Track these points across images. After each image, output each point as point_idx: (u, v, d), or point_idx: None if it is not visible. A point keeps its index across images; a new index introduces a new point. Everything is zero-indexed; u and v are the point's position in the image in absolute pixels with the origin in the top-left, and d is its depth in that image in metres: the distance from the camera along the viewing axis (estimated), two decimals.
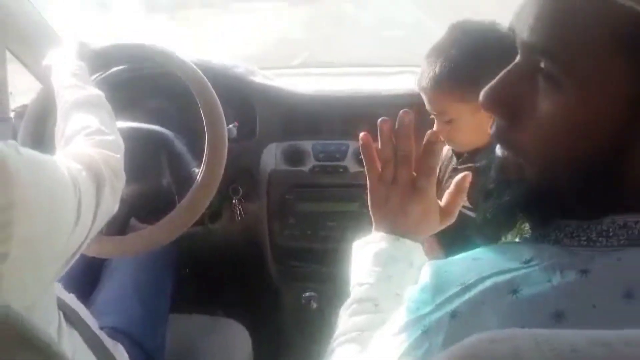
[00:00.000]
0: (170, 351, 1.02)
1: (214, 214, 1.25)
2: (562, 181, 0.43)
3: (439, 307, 0.41)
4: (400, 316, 0.45)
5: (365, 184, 1.22)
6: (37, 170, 0.59)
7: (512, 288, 0.38)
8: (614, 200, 0.40)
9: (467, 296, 0.40)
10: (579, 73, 0.39)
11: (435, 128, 1.00)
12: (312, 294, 1.23)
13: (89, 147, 0.77)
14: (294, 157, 1.24)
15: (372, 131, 1.22)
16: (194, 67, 1.04)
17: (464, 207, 1.02)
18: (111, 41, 1.12)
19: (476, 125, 0.95)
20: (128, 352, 0.92)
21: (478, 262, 0.44)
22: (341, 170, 1.21)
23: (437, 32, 0.99)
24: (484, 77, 0.92)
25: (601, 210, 0.40)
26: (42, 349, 0.49)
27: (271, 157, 1.25)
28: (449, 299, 0.41)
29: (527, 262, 0.40)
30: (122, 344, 0.92)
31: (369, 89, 1.31)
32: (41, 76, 1.31)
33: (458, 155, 1.06)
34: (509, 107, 0.45)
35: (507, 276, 0.39)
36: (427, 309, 0.42)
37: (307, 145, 1.24)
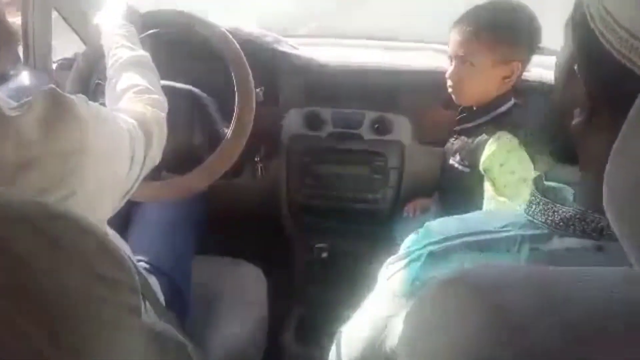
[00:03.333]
0: (195, 287, 1.15)
1: (236, 169, 1.36)
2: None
3: (424, 246, 0.53)
4: (398, 252, 0.57)
5: (378, 151, 1.33)
6: (103, 121, 0.69)
7: (480, 247, 0.50)
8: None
9: (445, 244, 0.52)
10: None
11: (451, 70, 1.10)
12: (324, 245, 1.35)
13: (139, 103, 0.87)
14: (314, 123, 1.34)
15: (388, 103, 1.33)
16: (228, 34, 1.13)
17: (460, 164, 1.14)
18: (155, 7, 1.22)
19: (489, 78, 1.06)
20: (161, 286, 1.05)
21: (462, 222, 0.55)
22: (356, 137, 1.31)
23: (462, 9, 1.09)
24: (516, 39, 1.04)
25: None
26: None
27: (292, 121, 1.35)
28: (432, 243, 0.53)
29: (501, 228, 0.50)
30: (156, 278, 1.05)
31: (388, 63, 1.39)
32: (87, 36, 1.41)
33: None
34: None
35: (479, 238, 0.50)
36: (416, 246, 0.54)
37: (327, 112, 1.34)
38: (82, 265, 0.42)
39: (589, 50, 0.43)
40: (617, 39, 0.38)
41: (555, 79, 0.51)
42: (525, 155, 1.02)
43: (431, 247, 0.52)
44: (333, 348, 0.66)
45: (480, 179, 1.09)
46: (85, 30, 1.38)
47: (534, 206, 0.51)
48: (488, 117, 1.10)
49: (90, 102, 0.68)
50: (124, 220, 1.22)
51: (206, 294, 1.17)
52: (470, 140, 1.13)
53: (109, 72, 0.97)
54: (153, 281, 1.03)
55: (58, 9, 1.38)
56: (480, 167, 1.08)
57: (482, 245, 0.50)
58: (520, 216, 0.52)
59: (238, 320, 1.12)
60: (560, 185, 0.52)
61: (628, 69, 0.38)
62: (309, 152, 1.33)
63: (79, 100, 0.64)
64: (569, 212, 0.47)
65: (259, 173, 1.34)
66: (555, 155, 0.55)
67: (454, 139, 1.21)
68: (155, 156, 0.85)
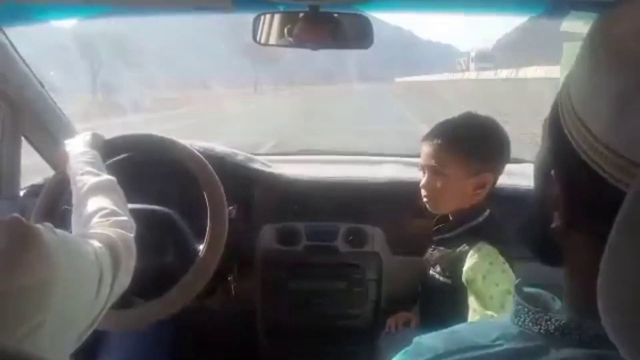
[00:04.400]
0: None
1: (209, 290, 1.31)
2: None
3: None
4: None
5: (355, 263, 1.30)
6: (70, 250, 0.66)
7: None
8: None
9: None
10: None
11: (424, 181, 1.11)
12: None
13: (106, 227, 0.85)
14: (288, 237, 1.32)
15: (361, 215, 1.34)
16: (197, 153, 1.15)
17: (441, 275, 1.11)
18: (121, 134, 1.25)
19: (462, 188, 1.07)
20: None
21: (453, 335, 0.52)
22: (332, 250, 1.30)
23: (419, 128, 1.14)
24: (487, 153, 1.08)
25: None
26: None
27: (266, 238, 1.34)
28: None
29: (494, 341, 0.47)
30: None
31: (356, 176, 1.42)
32: (54, 162, 1.41)
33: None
34: None
35: (473, 354, 0.47)
36: None
37: (300, 226, 1.34)
38: None
39: (563, 154, 0.42)
40: (586, 143, 0.39)
41: (535, 181, 0.52)
42: (507, 267, 1.01)
43: None
44: None
45: (463, 289, 1.06)
46: (53, 157, 1.39)
47: (522, 316, 0.48)
48: (465, 227, 1.10)
49: (57, 230, 0.66)
50: (92, 353, 1.13)
51: None
52: (450, 251, 1.11)
53: (75, 199, 0.97)
54: None
55: (27, 137, 1.39)
56: (463, 279, 1.05)
57: None
58: (510, 327, 0.49)
59: None
60: (539, 290, 0.50)
61: (600, 176, 0.37)
62: (284, 267, 1.30)
63: (45, 229, 0.62)
64: (563, 320, 0.44)
65: (233, 292, 1.29)
66: (539, 257, 0.53)
67: (432, 249, 1.19)
68: (124, 281, 0.81)
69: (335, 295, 1.28)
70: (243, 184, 1.36)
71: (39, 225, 0.61)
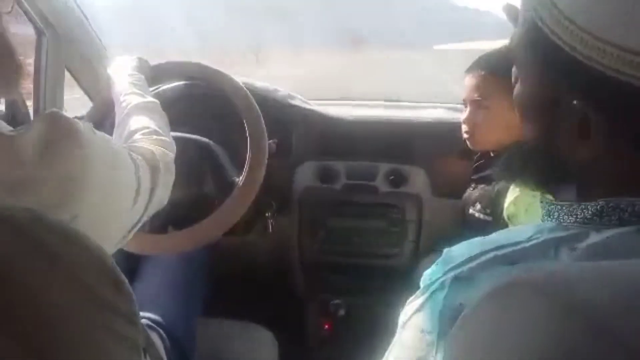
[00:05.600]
0: (200, 352, 1.06)
1: (247, 226, 1.31)
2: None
3: (445, 273, 0.47)
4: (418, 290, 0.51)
5: (394, 204, 1.28)
6: (108, 150, 0.66)
7: (510, 261, 0.44)
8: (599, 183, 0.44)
9: (470, 264, 0.46)
10: None
11: (466, 115, 1.08)
12: (340, 301, 1.26)
13: (147, 143, 0.85)
14: (327, 176, 1.30)
15: (403, 155, 1.30)
16: (242, 86, 1.13)
17: (481, 213, 1.08)
18: (169, 60, 1.23)
19: (504, 122, 1.02)
20: (163, 344, 0.96)
21: (485, 240, 0.49)
22: (371, 189, 1.27)
23: None
24: None
25: (589, 191, 0.45)
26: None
27: (305, 175, 1.32)
28: (455, 267, 0.47)
29: (528, 239, 0.45)
30: (157, 335, 0.97)
31: (401, 115, 1.38)
32: (94, 93, 1.42)
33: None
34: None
35: (508, 250, 0.44)
36: (436, 277, 0.48)
37: (340, 165, 1.31)
38: (80, 283, 0.38)
39: (579, 77, 0.41)
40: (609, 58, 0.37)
41: (533, 125, 0.49)
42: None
43: (453, 272, 0.46)
44: None
45: (503, 227, 1.03)
46: (94, 89, 1.39)
47: (556, 212, 0.46)
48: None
49: (98, 132, 0.65)
50: (129, 274, 1.15)
51: (212, 357, 1.07)
52: (490, 188, 1.08)
53: (117, 119, 0.97)
54: (155, 337, 0.95)
55: (70, 68, 1.39)
56: (504, 214, 1.02)
57: (513, 257, 0.44)
58: (544, 224, 0.46)
59: None
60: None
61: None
62: (322, 205, 1.28)
63: (84, 125, 0.61)
64: (600, 204, 0.42)
65: (270, 229, 1.29)
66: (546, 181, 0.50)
67: (472, 188, 1.16)
68: (162, 196, 0.81)
69: (373, 235, 1.26)
70: (283, 121, 1.34)
71: (78, 121, 0.61)
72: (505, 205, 1.01)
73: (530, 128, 0.49)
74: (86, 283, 0.38)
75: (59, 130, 0.57)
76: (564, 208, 0.45)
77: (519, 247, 0.44)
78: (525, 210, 0.98)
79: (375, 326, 1.22)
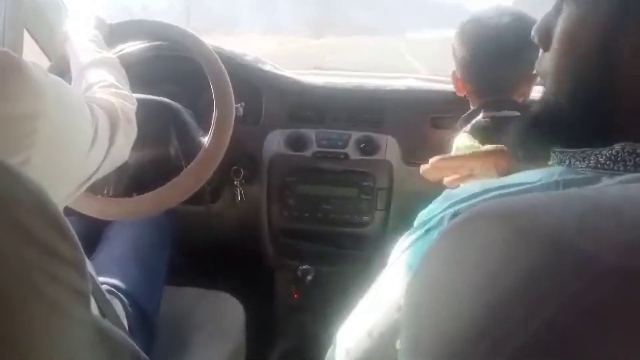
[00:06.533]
0: (164, 320, 1.03)
1: (214, 193, 1.27)
2: (568, 100, 0.45)
3: (444, 210, 0.45)
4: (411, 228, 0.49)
5: (364, 171, 1.26)
6: (61, 92, 0.62)
7: None
8: (621, 128, 0.42)
9: (471, 201, 0.44)
10: None
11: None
12: (308, 267, 1.24)
13: (106, 94, 0.81)
14: (297, 143, 1.27)
15: (374, 123, 1.28)
16: (208, 46, 1.09)
17: None
18: (128, 19, 1.18)
19: None
20: (125, 311, 0.93)
21: (490, 180, 0.47)
22: (342, 157, 1.25)
23: None
24: None
25: (608, 137, 0.42)
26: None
27: (274, 142, 1.29)
28: (454, 203, 0.45)
29: (536, 180, 0.43)
30: (119, 301, 0.94)
31: (373, 84, 1.36)
32: (51, 51, 1.36)
33: None
34: (543, 33, 0.49)
35: (512, 189, 0.43)
36: (434, 213, 0.46)
37: (311, 132, 1.28)
38: (20, 227, 0.35)
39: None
40: None
41: (587, 65, 0.45)
42: None
43: (453, 208, 0.44)
44: (330, 350, 0.56)
45: None
46: (52, 47, 1.33)
47: (568, 159, 0.44)
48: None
49: (51, 75, 0.61)
50: (92, 240, 1.11)
51: (177, 325, 1.04)
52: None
53: (74, 74, 0.93)
54: (116, 304, 0.91)
55: (29, 28, 1.32)
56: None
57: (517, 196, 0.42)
58: (555, 168, 0.45)
59: (211, 354, 0.99)
60: None
61: None
62: (292, 173, 1.25)
63: (36, 66, 0.58)
64: (615, 148, 0.40)
65: (239, 197, 1.26)
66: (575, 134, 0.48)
67: None
68: (122, 149, 0.78)
69: (344, 202, 1.24)
70: (252, 85, 1.30)
71: (28, 61, 0.58)
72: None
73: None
74: (21, 222, 0.35)
75: (8, 69, 0.53)
76: (576, 154, 0.43)
77: (526, 187, 0.42)
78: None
79: (344, 292, 1.21)
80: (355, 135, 1.27)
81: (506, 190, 0.43)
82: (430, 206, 0.48)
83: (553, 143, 0.48)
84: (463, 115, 1.01)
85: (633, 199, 0.27)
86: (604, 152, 0.41)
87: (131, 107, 0.82)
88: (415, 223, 0.48)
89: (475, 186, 0.46)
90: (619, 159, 0.40)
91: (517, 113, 0.93)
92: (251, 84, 1.29)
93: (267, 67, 1.34)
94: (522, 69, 0.91)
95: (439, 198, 0.48)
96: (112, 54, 0.97)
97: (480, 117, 0.95)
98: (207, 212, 1.27)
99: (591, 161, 0.42)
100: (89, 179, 0.69)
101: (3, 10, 1.28)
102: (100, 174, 0.72)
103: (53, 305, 0.36)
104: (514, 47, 0.89)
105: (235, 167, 1.26)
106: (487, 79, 0.96)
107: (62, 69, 1.06)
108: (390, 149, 1.26)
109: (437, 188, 1.24)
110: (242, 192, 1.26)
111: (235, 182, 1.26)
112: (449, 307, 0.27)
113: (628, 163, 0.40)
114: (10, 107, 0.52)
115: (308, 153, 1.26)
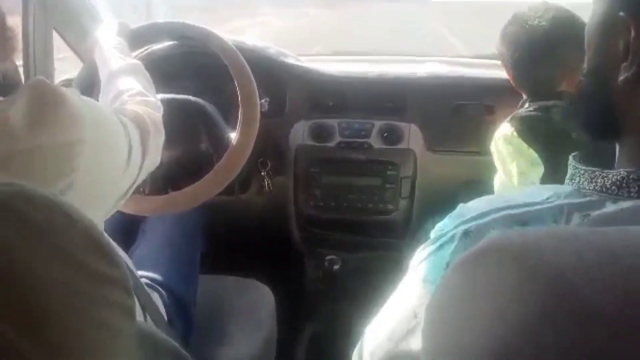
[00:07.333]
0: (201, 306, 1.09)
1: (243, 184, 1.32)
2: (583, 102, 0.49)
3: (456, 227, 0.48)
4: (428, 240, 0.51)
5: (388, 160, 1.28)
6: (97, 114, 0.66)
7: (521, 221, 0.44)
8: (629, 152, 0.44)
9: (481, 220, 0.46)
10: None
11: None
12: (335, 257, 1.29)
13: (133, 105, 0.84)
14: (321, 133, 1.30)
15: (397, 111, 1.29)
16: (230, 44, 1.11)
17: None
18: (150, 21, 1.21)
19: None
20: (162, 301, 0.99)
21: (500, 198, 0.50)
22: (366, 146, 1.27)
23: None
24: None
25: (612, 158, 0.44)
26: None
27: (299, 133, 1.32)
28: (466, 221, 0.47)
29: (544, 201, 0.45)
30: (157, 293, 1.00)
31: (394, 71, 1.36)
32: (83, 53, 1.40)
33: None
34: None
35: (521, 210, 0.45)
36: (447, 229, 0.48)
37: (334, 123, 1.30)
38: (67, 256, 0.37)
39: None
40: None
41: (590, 40, 0.47)
42: None
43: (465, 226, 0.46)
44: (357, 347, 0.60)
45: None
46: (83, 50, 1.37)
47: (577, 177, 0.46)
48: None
49: (84, 97, 0.65)
50: (129, 235, 1.17)
51: (212, 313, 1.10)
52: None
53: (102, 83, 0.97)
54: (155, 297, 0.97)
55: (58, 30, 1.37)
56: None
57: (525, 218, 0.44)
58: (563, 187, 0.46)
59: (245, 340, 1.05)
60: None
61: None
62: (317, 163, 1.29)
63: (70, 91, 0.61)
64: (621, 174, 0.42)
65: (267, 187, 1.30)
66: (594, 127, 0.50)
67: None
68: (154, 157, 0.82)
69: (369, 191, 1.27)
70: (275, 78, 1.32)
71: (63, 88, 0.60)
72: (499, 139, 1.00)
73: (589, 57, 0.48)
74: (73, 255, 0.37)
75: (46, 99, 0.56)
76: (586, 174, 0.45)
77: (533, 208, 0.44)
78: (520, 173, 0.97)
79: (371, 279, 1.25)
80: (378, 124, 1.29)
81: (515, 211, 0.45)
82: (445, 221, 0.50)
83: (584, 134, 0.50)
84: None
85: (631, 245, 0.28)
86: (610, 175, 0.42)
87: (158, 116, 0.86)
88: (432, 235, 0.51)
89: (486, 204, 0.48)
90: (624, 184, 0.41)
91: (556, 102, 0.95)
92: (275, 77, 1.32)
93: (289, 60, 1.36)
94: (562, 65, 0.95)
95: (454, 213, 0.50)
96: (135, 60, 1.00)
97: (524, 108, 0.99)
98: (236, 202, 1.31)
99: (598, 184, 0.43)
100: (125, 193, 0.73)
101: (32, 14, 1.33)
102: (135, 186, 0.76)
103: (105, 327, 0.39)
104: (550, 47, 0.94)
105: (262, 159, 1.29)
106: (530, 78, 1.00)
107: (92, 74, 1.11)
108: (413, 137, 1.27)
109: (460, 176, 1.27)
110: (270, 182, 1.30)
111: (263, 173, 1.29)
112: (461, 338, 0.30)
113: (632, 190, 0.41)
114: (51, 136, 0.55)
115: (332, 143, 1.29)
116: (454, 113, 1.27)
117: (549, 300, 0.26)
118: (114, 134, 0.68)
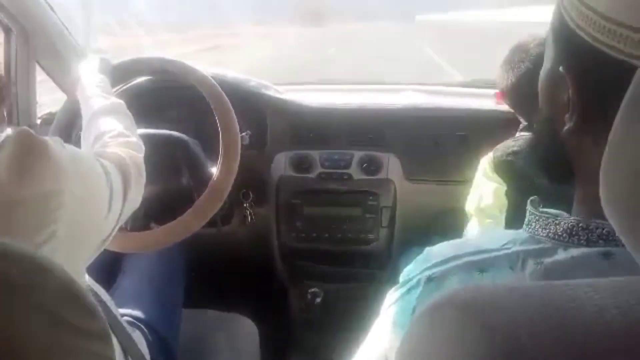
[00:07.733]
0: (183, 343, 1.09)
1: (225, 216, 1.33)
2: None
3: (422, 272, 0.50)
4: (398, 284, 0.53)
5: (368, 190, 1.31)
6: (79, 163, 0.67)
7: (480, 268, 0.46)
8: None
9: (444, 267, 0.48)
10: None
11: None
12: (317, 290, 1.30)
13: (114, 147, 0.85)
14: (302, 165, 1.32)
15: (376, 142, 1.32)
16: (210, 78, 1.13)
17: None
18: (131, 56, 1.22)
19: None
20: (145, 340, 0.99)
21: (464, 243, 0.52)
22: (346, 177, 1.29)
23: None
24: None
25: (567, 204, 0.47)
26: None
27: (280, 164, 1.33)
28: (430, 267, 0.50)
29: (502, 246, 0.47)
30: (140, 331, 0.99)
31: (372, 102, 1.39)
32: (67, 87, 1.41)
33: None
34: None
35: (480, 257, 0.47)
36: (413, 274, 0.51)
37: (314, 154, 1.33)
38: (44, 312, 0.38)
39: (570, 47, 0.42)
40: (594, 26, 0.37)
41: (541, 92, 0.50)
42: None
43: (429, 272, 0.49)
44: None
45: None
46: (66, 83, 1.38)
47: (533, 223, 0.48)
48: None
49: (66, 144, 0.66)
50: (111, 272, 1.17)
51: (195, 348, 1.10)
52: None
53: (84, 122, 0.97)
54: (137, 335, 0.97)
55: (40, 63, 1.38)
56: (475, 206, 1.06)
57: (482, 265, 0.46)
58: (520, 234, 0.49)
59: None
60: (556, 211, 0.49)
61: (610, 57, 0.36)
62: (298, 194, 1.30)
63: (53, 141, 0.62)
64: (571, 222, 0.44)
65: (249, 219, 1.31)
66: (548, 173, 0.52)
67: None
68: (135, 199, 0.82)
69: (350, 221, 1.29)
70: (256, 111, 1.34)
71: (47, 138, 0.61)
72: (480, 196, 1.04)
73: (540, 107, 0.50)
74: (50, 310, 0.38)
75: (29, 149, 0.57)
76: (540, 220, 0.47)
77: (492, 255, 0.46)
78: (499, 211, 1.01)
79: (353, 309, 1.26)
80: (358, 154, 1.31)
81: (475, 258, 0.47)
82: (411, 266, 0.53)
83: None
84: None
85: (577, 307, 0.30)
86: (562, 223, 0.45)
87: (140, 157, 0.87)
88: (400, 279, 0.53)
89: (449, 249, 0.50)
90: (573, 232, 0.44)
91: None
92: (256, 110, 1.34)
93: (270, 92, 1.38)
94: None
95: (420, 257, 0.53)
96: (117, 99, 1.01)
97: (511, 139, 1.04)
98: (219, 234, 1.32)
99: (550, 230, 0.45)
100: (108, 236, 0.73)
101: (14, 48, 1.34)
102: (117, 228, 0.77)
103: None
104: None
105: (244, 190, 1.31)
106: (524, 107, 1.05)
107: (74, 109, 1.12)
108: (392, 167, 1.30)
109: (438, 204, 1.29)
110: (252, 213, 1.31)
111: (245, 204, 1.31)
112: None
113: (582, 238, 0.43)
114: (35, 187, 0.56)
115: (313, 174, 1.31)
116: (431, 143, 1.30)
117: (498, 358, 0.27)
118: (96, 183, 0.69)
